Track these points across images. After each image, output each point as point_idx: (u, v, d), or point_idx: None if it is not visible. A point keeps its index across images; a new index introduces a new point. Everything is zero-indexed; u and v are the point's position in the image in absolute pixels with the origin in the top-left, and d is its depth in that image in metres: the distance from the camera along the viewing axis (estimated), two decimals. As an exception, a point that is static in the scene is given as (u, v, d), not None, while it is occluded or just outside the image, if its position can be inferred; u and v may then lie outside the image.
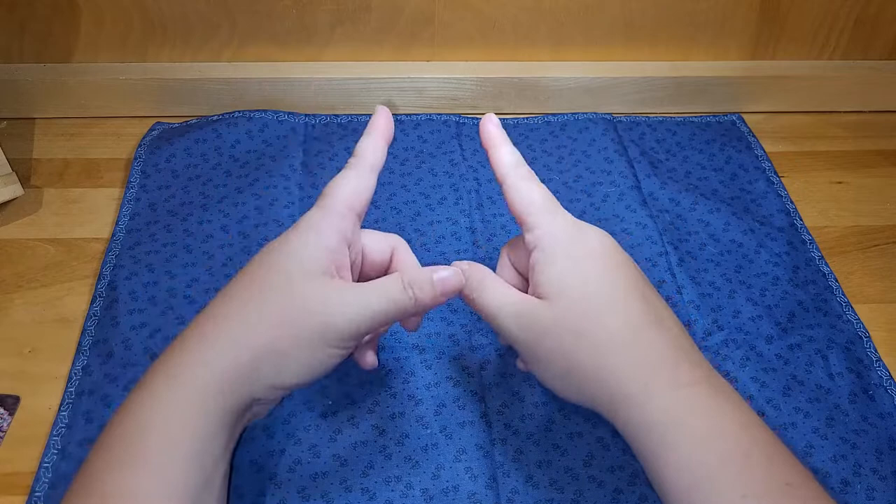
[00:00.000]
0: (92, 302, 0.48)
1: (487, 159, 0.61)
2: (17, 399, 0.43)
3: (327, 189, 0.36)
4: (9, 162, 0.52)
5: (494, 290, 0.37)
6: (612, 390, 0.34)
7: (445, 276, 0.36)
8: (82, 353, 0.45)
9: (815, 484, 0.32)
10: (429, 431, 0.42)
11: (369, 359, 0.40)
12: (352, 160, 0.37)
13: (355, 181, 0.36)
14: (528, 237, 0.37)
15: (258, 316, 0.33)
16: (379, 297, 0.35)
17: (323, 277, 0.34)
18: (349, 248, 0.36)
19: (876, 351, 0.47)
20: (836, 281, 0.51)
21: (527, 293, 0.37)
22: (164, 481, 0.31)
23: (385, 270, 0.39)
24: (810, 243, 0.53)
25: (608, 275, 0.36)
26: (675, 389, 0.33)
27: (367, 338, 0.40)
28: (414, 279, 0.35)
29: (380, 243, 0.39)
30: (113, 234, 0.52)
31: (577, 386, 0.35)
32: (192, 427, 0.32)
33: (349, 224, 0.36)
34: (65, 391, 0.43)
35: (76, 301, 0.48)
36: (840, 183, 0.59)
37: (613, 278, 0.36)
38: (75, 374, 0.44)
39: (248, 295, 0.34)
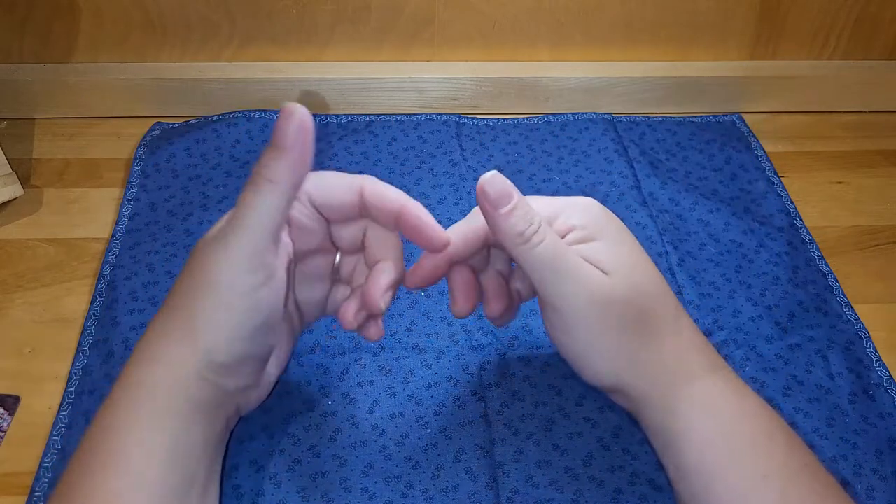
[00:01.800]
0: (92, 302, 0.48)
1: (487, 159, 0.61)
2: (17, 399, 0.43)
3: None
4: (9, 162, 0.52)
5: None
6: (656, 372, 0.34)
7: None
8: (82, 353, 0.45)
9: (824, 470, 0.33)
10: (429, 431, 0.42)
11: (372, 330, 0.38)
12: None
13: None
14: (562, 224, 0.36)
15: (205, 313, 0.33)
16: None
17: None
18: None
19: (876, 351, 0.47)
20: (836, 281, 0.51)
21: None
22: (141, 482, 0.31)
23: (354, 210, 0.36)
24: (810, 243, 0.53)
25: (638, 248, 0.36)
26: (712, 372, 0.34)
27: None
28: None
29: (341, 189, 0.36)
30: (113, 234, 0.52)
31: (619, 365, 0.34)
32: (165, 426, 0.32)
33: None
34: (65, 391, 0.43)
35: (76, 301, 0.48)
36: (840, 183, 0.59)
37: (641, 251, 0.36)
38: (75, 374, 0.44)
39: (194, 293, 0.33)
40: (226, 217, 0.33)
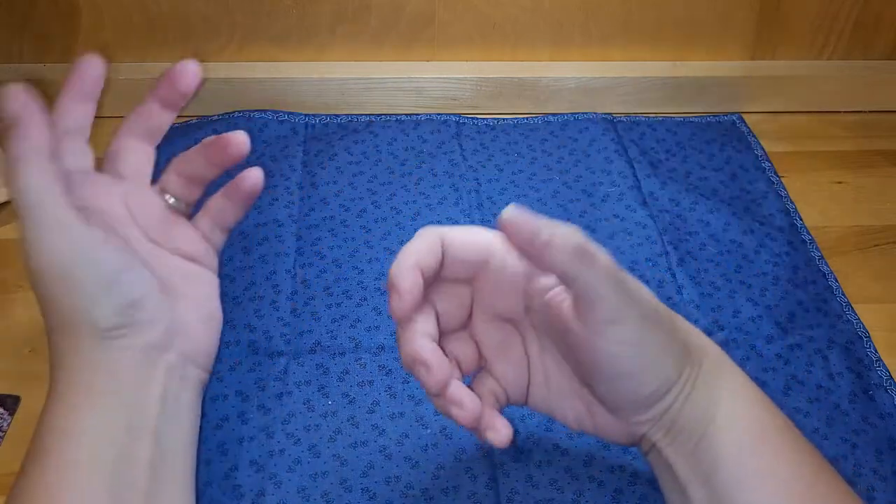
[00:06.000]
0: (92, 302, 0.48)
1: (487, 159, 0.60)
2: (17, 399, 0.43)
3: None
4: (9, 162, 0.52)
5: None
6: (689, 356, 0.33)
7: None
8: (82, 353, 0.45)
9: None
10: (429, 431, 0.42)
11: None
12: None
13: None
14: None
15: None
16: None
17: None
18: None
19: (876, 351, 0.47)
20: (836, 281, 0.51)
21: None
22: (73, 466, 0.31)
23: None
24: (810, 243, 0.53)
25: None
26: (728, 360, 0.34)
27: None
28: None
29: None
30: (113, 234, 0.52)
31: (668, 358, 0.32)
32: (91, 401, 0.32)
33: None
34: (65, 391, 0.43)
35: (76, 301, 0.48)
36: (840, 183, 0.59)
37: None
38: (75, 374, 0.44)
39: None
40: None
